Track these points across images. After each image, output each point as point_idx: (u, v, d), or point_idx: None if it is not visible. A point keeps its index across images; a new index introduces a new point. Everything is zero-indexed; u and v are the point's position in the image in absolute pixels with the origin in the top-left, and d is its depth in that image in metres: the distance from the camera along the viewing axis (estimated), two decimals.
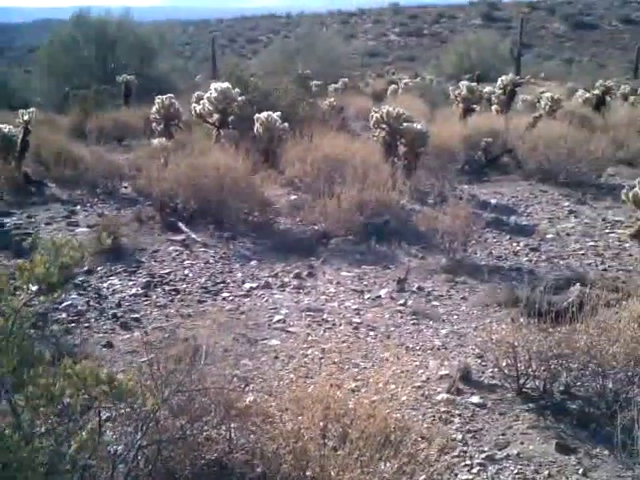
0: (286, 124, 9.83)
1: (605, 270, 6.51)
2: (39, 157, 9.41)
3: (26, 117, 8.88)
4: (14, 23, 57.80)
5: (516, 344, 3.95)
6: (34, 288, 2.69)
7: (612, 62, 44.33)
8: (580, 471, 3.36)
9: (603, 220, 8.35)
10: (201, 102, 10.50)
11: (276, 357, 4.49)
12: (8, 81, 18.86)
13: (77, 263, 2.35)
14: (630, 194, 5.75)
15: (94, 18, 20.56)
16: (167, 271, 6.04)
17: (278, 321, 5.10)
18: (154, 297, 5.46)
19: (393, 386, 4.07)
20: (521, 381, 4.08)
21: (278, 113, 9.84)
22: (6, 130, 8.64)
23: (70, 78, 17.53)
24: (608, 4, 65.10)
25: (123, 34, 19.87)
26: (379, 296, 5.72)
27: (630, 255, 6.82)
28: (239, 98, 10.65)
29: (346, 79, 24.70)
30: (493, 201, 9.20)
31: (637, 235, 5.86)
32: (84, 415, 2.71)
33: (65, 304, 5.16)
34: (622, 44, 52.38)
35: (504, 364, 4.12)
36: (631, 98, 21.11)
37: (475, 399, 4.05)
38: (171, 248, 6.66)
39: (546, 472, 3.36)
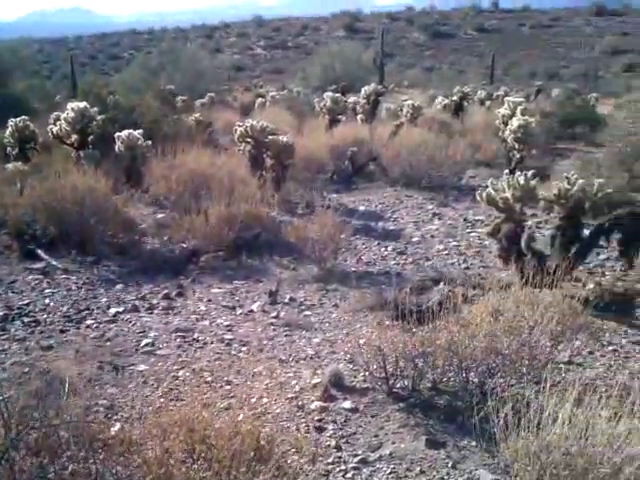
0: (149, 141, 9.62)
1: (467, 268, 6.82)
2: None
3: None
4: None
5: (382, 346, 4.04)
6: None
7: (470, 69, 46.89)
8: (449, 464, 3.48)
9: (464, 220, 8.77)
10: (58, 123, 10.06)
11: (145, 382, 4.34)
12: None
13: None
14: (484, 194, 6.04)
15: None
16: (26, 302, 5.70)
17: (146, 345, 4.95)
18: (12, 330, 5.13)
19: (266, 400, 4.07)
20: (390, 382, 4.17)
21: (140, 130, 9.61)
22: None
23: None
24: (463, 14, 68.90)
25: None
26: (251, 310, 5.69)
27: (490, 252, 7.18)
28: (98, 117, 10.30)
29: (213, 94, 24.56)
30: (361, 208, 9.43)
31: (493, 233, 6.15)
32: None
33: None
34: (478, 51, 55.61)
35: (374, 367, 4.19)
36: (487, 103, 22.42)
37: (347, 404, 4.09)
38: (30, 277, 6.30)
39: (418, 469, 3.45)
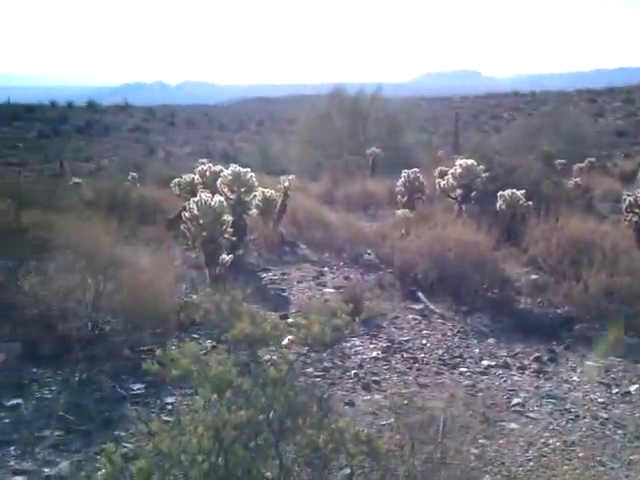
0: (530, 202, 9.68)
1: None
2: (294, 220, 10.24)
3: (286, 183, 9.75)
4: (272, 97, 64.45)
5: None
6: (285, 342, 2.94)
7: None
8: None
9: None
10: (445, 177, 10.74)
11: (515, 441, 4.35)
12: (268, 149, 20.88)
13: (347, 326, 2.54)
14: None
15: (349, 94, 22.16)
16: (406, 338, 6.17)
17: (517, 404, 4.95)
18: (393, 362, 5.59)
19: None
20: None
21: (522, 191, 9.73)
22: (268, 194, 9.53)
23: (324, 148, 18.89)
24: None
25: (374, 109, 21.12)
26: (628, 392, 5.30)
27: None
28: (483, 174, 10.72)
29: (592, 158, 23.63)
30: None
31: None
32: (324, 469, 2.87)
33: (311, 359, 5.47)
34: None
35: None
36: None
37: None
38: (410, 316, 6.80)
39: None
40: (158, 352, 2.52)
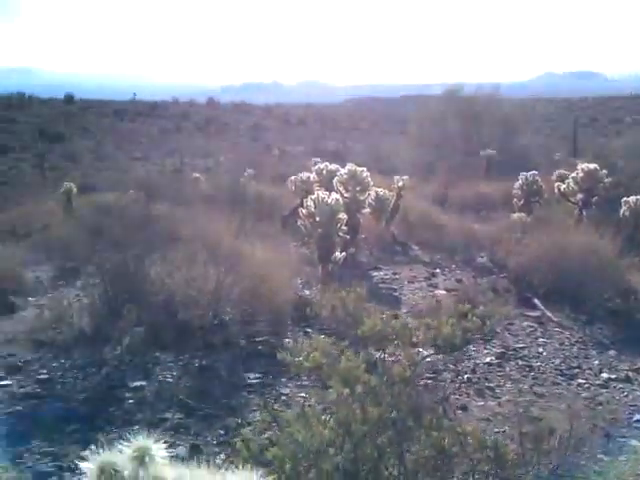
0: None
1: None
2: (406, 220, 10.20)
3: (400, 183, 9.74)
4: (386, 97, 64.47)
5: None
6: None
7: None
8: None
9: None
10: (565, 181, 10.38)
11: (637, 460, 4.17)
12: (380, 148, 20.89)
13: (478, 329, 2.52)
14: None
15: (464, 94, 21.80)
16: (521, 345, 6.03)
17: (639, 420, 4.74)
18: (507, 369, 5.49)
19: None
20: None
21: None
22: (381, 193, 9.54)
23: (437, 149, 18.67)
24: None
25: (489, 110, 20.63)
26: None
27: None
28: (606, 180, 10.28)
29: None
30: None
31: None
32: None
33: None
34: None
35: None
36: None
37: None
38: (525, 323, 6.64)
39: None
40: (290, 344, 2.60)
